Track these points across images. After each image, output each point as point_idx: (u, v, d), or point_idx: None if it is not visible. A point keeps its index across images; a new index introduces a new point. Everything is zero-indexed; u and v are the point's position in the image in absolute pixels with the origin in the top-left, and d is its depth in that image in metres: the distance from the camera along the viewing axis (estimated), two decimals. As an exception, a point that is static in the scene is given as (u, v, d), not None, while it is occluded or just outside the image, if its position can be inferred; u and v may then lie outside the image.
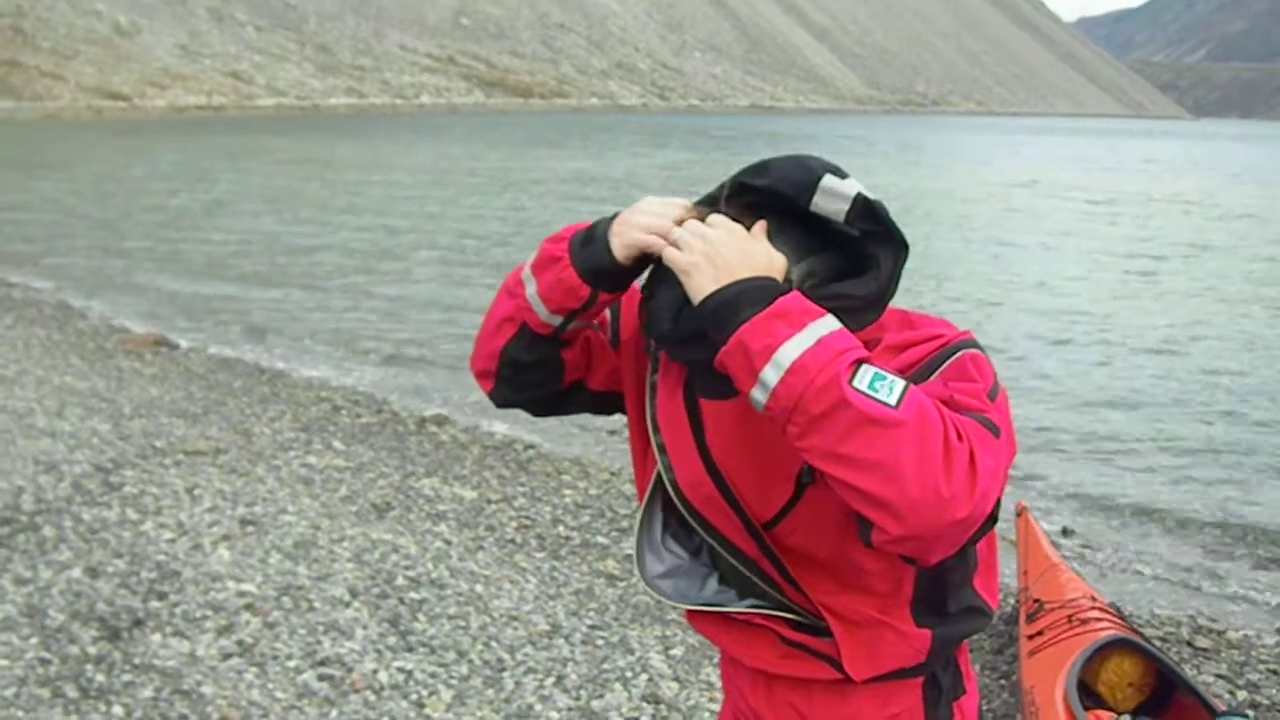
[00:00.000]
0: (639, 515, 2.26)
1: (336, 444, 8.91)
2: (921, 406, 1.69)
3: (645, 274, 2.04)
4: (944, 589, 2.07)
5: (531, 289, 2.09)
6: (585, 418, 10.15)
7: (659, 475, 2.18)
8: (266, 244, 22.82)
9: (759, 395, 1.75)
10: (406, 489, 7.83)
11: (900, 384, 1.71)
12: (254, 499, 7.38)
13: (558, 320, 2.09)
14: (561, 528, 7.25)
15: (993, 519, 1.78)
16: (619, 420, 10.45)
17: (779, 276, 1.85)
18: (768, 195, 1.93)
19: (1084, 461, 10.19)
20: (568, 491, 8.02)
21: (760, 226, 1.91)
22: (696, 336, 1.89)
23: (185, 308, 16.31)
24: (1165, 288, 20.27)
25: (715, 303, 1.81)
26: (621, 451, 9.33)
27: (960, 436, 1.70)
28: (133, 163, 44.04)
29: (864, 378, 1.70)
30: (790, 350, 1.72)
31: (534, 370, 2.19)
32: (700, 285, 1.83)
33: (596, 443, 9.61)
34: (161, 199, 30.74)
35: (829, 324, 1.76)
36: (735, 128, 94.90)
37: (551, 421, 10.16)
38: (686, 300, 1.88)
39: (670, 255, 1.89)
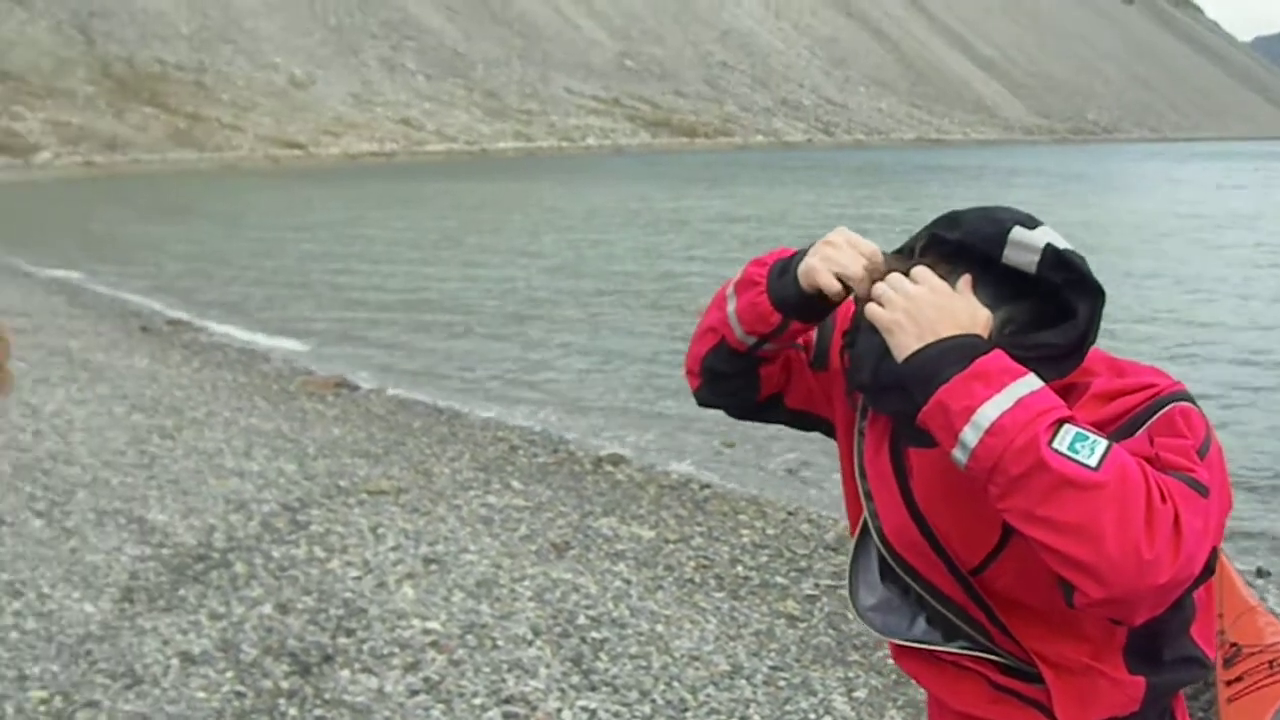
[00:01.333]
0: (851, 547, 2.25)
1: (515, 483, 9.00)
2: (1123, 467, 1.68)
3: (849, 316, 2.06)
4: (1159, 637, 2.02)
5: (731, 306, 2.14)
6: (762, 457, 10.17)
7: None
8: (439, 287, 23.23)
9: (959, 455, 1.76)
10: (585, 528, 7.88)
11: (1102, 444, 1.70)
12: (436, 538, 7.50)
13: (751, 341, 2.13)
14: (740, 568, 7.21)
15: (1207, 571, 1.75)
16: (795, 459, 10.49)
17: (984, 332, 1.85)
18: (960, 247, 1.94)
19: (1277, 500, 9.86)
20: (745, 531, 7.99)
21: (966, 282, 1.91)
22: (896, 388, 1.90)
23: (363, 350, 16.68)
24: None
25: (917, 362, 1.82)
26: (798, 490, 9.29)
27: (1164, 498, 1.68)
28: (309, 209, 45.30)
29: (1064, 438, 1.70)
30: (989, 412, 1.73)
31: (730, 380, 2.24)
32: (903, 344, 1.84)
33: (773, 482, 9.54)
34: (337, 245, 31.52)
35: (1029, 384, 1.76)
36: (900, 162, 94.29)
37: (726, 461, 10.18)
38: (886, 351, 1.88)
39: (872, 312, 1.89)
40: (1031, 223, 1.93)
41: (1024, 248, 1.90)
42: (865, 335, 1.97)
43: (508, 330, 18.43)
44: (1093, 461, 1.67)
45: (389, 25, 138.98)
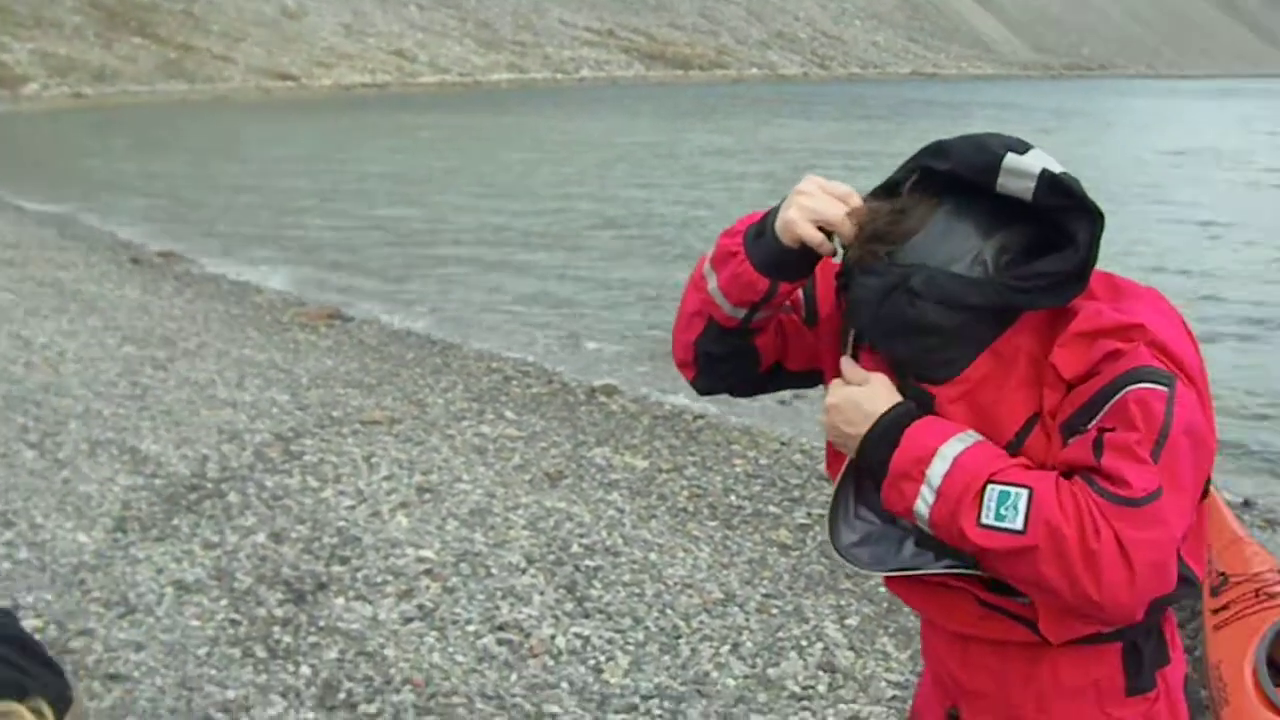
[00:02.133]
0: (835, 490, 2.24)
1: (508, 414, 9.00)
2: (1048, 522, 1.75)
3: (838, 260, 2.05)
4: None
5: (713, 283, 2.10)
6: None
7: None
8: (432, 220, 23.10)
9: (918, 520, 1.96)
10: (578, 458, 7.89)
11: (1024, 495, 1.78)
12: (430, 467, 7.51)
13: (741, 313, 2.09)
14: (733, 497, 7.23)
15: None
16: (789, 390, 10.42)
17: (888, 395, 2.00)
18: (951, 177, 1.92)
19: (1267, 432, 9.90)
20: (738, 461, 8.00)
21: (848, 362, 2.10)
22: (898, 330, 1.91)
23: (357, 282, 16.60)
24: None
25: (869, 446, 2.00)
26: (790, 421, 9.30)
27: (1098, 531, 1.72)
28: (301, 141, 44.92)
29: (990, 506, 1.80)
30: (921, 510, 1.88)
31: (727, 360, 2.21)
32: (856, 426, 2.02)
33: (765, 413, 9.53)
34: (329, 178, 31.28)
35: (943, 461, 1.87)
36: (894, 96, 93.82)
37: (720, 391, 10.16)
38: (886, 293, 1.89)
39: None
40: (1022, 147, 1.91)
41: (1018, 174, 1.88)
42: (859, 279, 1.95)
43: (501, 263, 18.37)
44: (1019, 524, 1.76)
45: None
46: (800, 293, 2.22)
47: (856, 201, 1.97)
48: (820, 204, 1.95)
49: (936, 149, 1.96)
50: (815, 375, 2.30)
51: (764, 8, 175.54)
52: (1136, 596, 1.73)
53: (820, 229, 1.95)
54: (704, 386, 2.30)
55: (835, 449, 2.20)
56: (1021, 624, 2.06)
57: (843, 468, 2.19)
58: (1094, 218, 1.89)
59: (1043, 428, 1.91)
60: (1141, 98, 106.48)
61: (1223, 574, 5.42)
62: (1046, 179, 1.87)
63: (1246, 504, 8.08)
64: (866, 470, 2.02)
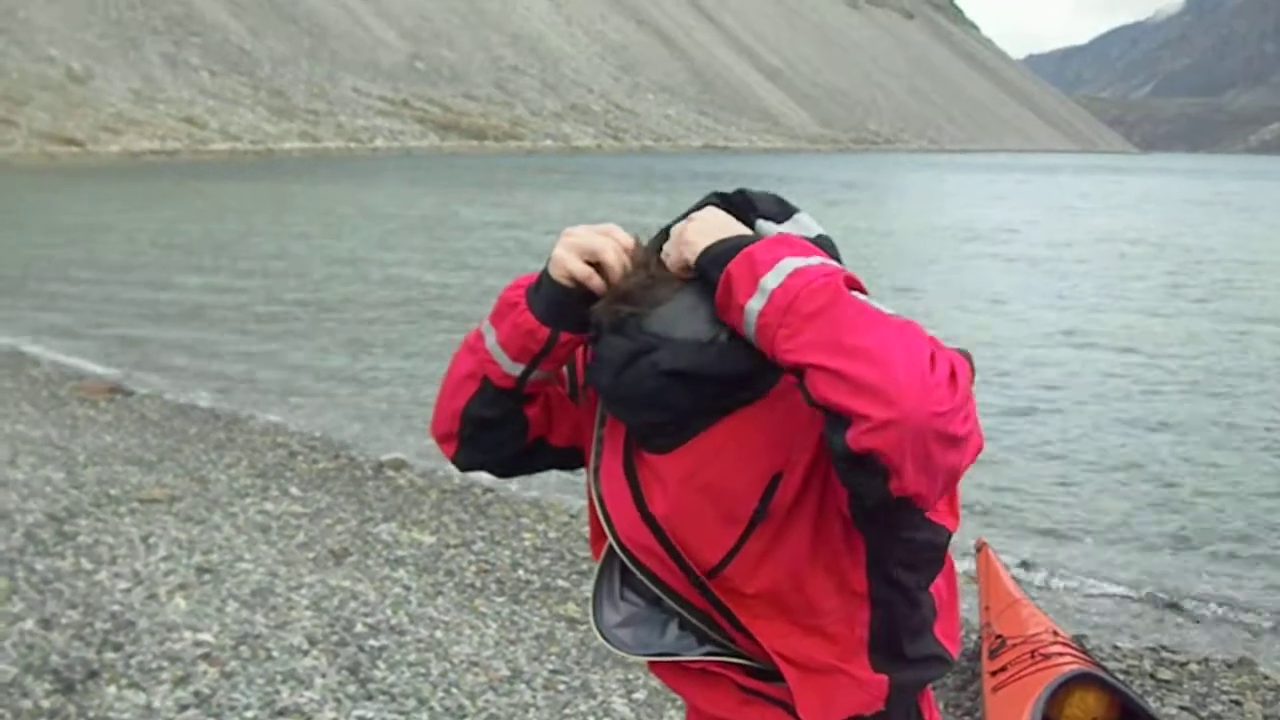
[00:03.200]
0: (598, 568, 2.23)
1: (293, 490, 8.84)
2: (910, 322, 1.73)
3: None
4: (900, 634, 2.05)
5: (492, 339, 2.08)
6: (544, 460, 10.13)
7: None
8: (218, 291, 22.68)
9: (755, 303, 1.76)
10: (364, 534, 7.76)
11: (890, 309, 1.74)
12: (210, 547, 7.30)
13: (520, 369, 2.07)
14: (521, 571, 7.20)
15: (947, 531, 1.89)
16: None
17: None
18: None
19: (1043, 497, 10.22)
20: (527, 535, 7.97)
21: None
22: (635, 399, 1.90)
23: (140, 355, 16.16)
24: (1108, 322, 20.39)
25: (722, 246, 1.85)
26: (580, 493, 9.29)
27: (942, 350, 1.72)
28: (84, 209, 43.70)
29: (858, 295, 1.75)
30: (794, 262, 1.77)
31: (497, 428, 2.16)
32: (701, 242, 1.89)
33: (555, 486, 9.54)
34: (113, 248, 30.50)
35: (819, 259, 1.80)
36: (682, 168, 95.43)
37: (510, 464, 10.11)
38: (632, 358, 1.88)
39: (676, 259, 1.92)
40: (783, 215, 1.99)
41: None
42: (608, 337, 1.94)
43: (290, 335, 18.10)
44: (884, 310, 1.72)
45: (172, 20, 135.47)
46: (565, 371, 2.22)
47: (621, 235, 2.01)
48: (585, 239, 1.98)
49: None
50: (576, 454, 2.28)
51: (559, 80, 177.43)
52: (953, 406, 1.67)
53: (589, 264, 1.98)
54: (466, 460, 2.23)
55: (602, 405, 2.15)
56: (782, 708, 2.08)
57: (604, 548, 2.18)
58: None
59: (787, 486, 1.92)
60: (924, 171, 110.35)
61: (1000, 637, 5.57)
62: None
63: (1024, 566, 8.33)
64: (720, 247, 1.87)
